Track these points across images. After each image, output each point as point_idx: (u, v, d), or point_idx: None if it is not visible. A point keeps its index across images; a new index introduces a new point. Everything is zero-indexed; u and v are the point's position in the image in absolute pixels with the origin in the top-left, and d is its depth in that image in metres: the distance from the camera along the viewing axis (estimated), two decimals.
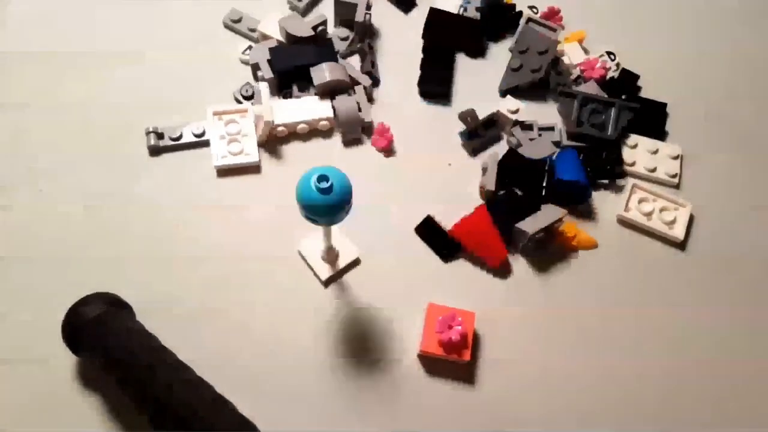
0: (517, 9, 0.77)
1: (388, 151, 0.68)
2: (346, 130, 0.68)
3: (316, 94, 0.69)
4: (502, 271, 0.63)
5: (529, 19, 0.74)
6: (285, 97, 0.70)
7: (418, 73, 0.72)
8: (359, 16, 0.72)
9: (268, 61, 0.69)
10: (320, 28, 0.71)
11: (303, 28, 0.71)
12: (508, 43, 0.76)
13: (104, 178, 0.64)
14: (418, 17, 0.76)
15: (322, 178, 0.47)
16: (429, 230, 0.64)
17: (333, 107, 0.68)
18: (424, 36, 0.74)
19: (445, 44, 0.74)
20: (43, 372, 0.55)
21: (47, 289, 0.58)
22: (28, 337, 0.56)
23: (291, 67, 0.69)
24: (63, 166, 0.65)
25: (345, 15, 0.73)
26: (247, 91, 0.70)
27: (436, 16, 0.73)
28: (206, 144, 0.67)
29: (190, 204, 0.64)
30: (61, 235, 0.61)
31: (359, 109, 0.68)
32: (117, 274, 0.59)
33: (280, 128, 0.67)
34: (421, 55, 0.73)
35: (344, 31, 0.73)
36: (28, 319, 0.57)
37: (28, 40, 0.72)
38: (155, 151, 0.66)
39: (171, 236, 0.62)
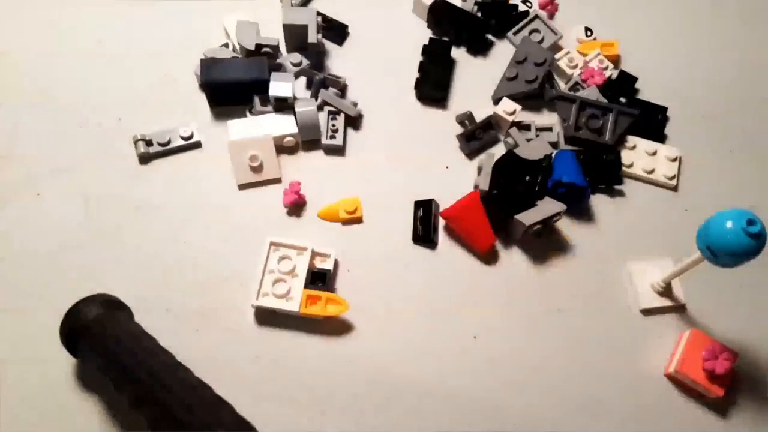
0: (520, 9, 0.83)
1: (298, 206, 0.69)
2: (303, 133, 0.71)
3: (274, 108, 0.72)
4: (501, 271, 0.67)
5: (536, 17, 0.80)
6: (250, 111, 0.73)
7: (415, 74, 0.76)
8: (311, 38, 0.74)
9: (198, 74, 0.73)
10: (264, 48, 0.73)
11: (251, 40, 0.73)
12: (509, 45, 0.81)
13: (102, 181, 0.68)
14: (415, 19, 0.82)
15: (752, 221, 0.50)
16: (425, 210, 0.68)
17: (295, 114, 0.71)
18: (428, 21, 0.79)
19: (448, 35, 0.79)
20: (41, 373, 0.57)
21: (45, 291, 0.61)
22: (26, 339, 0.59)
23: (219, 81, 0.70)
24: (60, 168, 0.68)
25: (296, 38, 0.75)
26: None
27: (441, 6, 0.79)
28: (197, 146, 0.71)
29: (187, 205, 0.67)
30: (59, 237, 0.64)
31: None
32: (116, 275, 0.62)
33: (287, 139, 0.70)
34: (416, 56, 0.77)
35: (297, 57, 0.75)
36: (27, 322, 0.60)
37: (23, 40, 0.76)
38: (145, 158, 0.69)
39: (169, 238, 0.65)
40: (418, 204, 0.68)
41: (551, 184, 0.68)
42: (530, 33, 0.81)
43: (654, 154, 0.74)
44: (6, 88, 0.73)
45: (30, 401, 0.57)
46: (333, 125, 0.72)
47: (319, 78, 0.73)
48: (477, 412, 0.60)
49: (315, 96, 0.74)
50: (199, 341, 0.60)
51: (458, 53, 0.81)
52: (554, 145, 0.74)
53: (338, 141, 0.71)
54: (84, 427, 0.56)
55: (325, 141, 0.71)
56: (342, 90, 0.75)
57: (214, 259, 0.64)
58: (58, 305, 0.56)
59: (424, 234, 0.67)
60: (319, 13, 0.76)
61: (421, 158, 0.72)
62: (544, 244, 0.68)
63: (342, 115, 0.73)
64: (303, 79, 0.75)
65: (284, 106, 0.71)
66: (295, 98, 0.72)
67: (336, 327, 0.62)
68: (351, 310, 0.62)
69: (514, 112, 0.73)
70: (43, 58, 0.75)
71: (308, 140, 0.72)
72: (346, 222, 0.67)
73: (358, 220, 0.68)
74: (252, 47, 0.73)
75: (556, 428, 0.59)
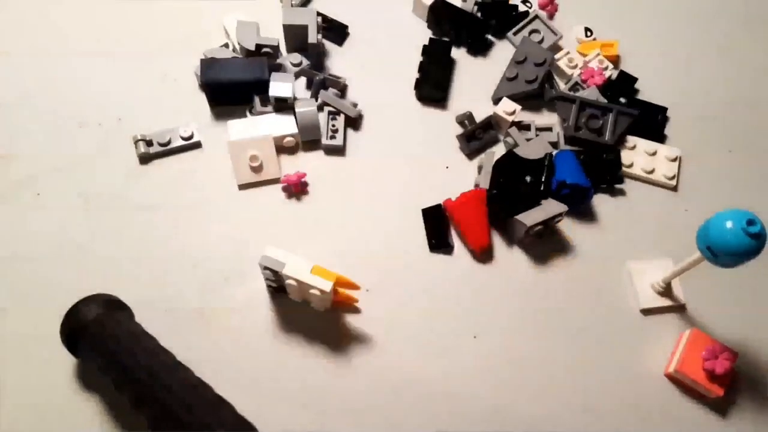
0: (520, 9, 0.84)
1: (298, 193, 0.70)
2: (303, 133, 0.71)
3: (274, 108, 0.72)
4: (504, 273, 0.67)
5: (536, 17, 0.81)
6: (250, 111, 0.72)
7: (415, 74, 0.76)
8: (312, 38, 0.74)
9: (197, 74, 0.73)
10: (264, 48, 0.73)
11: (251, 40, 0.73)
12: (509, 45, 0.82)
13: (102, 181, 0.68)
14: (415, 19, 0.82)
15: (752, 221, 0.50)
16: (436, 216, 0.68)
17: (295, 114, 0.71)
18: (428, 21, 0.80)
19: (448, 35, 0.80)
20: (41, 373, 0.58)
21: (46, 291, 0.61)
22: (26, 339, 0.59)
23: (219, 81, 0.70)
24: (60, 168, 0.68)
25: (296, 39, 0.75)
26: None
27: (441, 6, 0.79)
28: (197, 146, 0.71)
29: (187, 205, 0.67)
30: (59, 236, 0.64)
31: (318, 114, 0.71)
32: (116, 275, 0.63)
33: (287, 139, 0.70)
34: (416, 56, 0.77)
35: (297, 57, 0.75)
36: (27, 321, 0.60)
37: (24, 40, 0.76)
38: (145, 158, 0.70)
39: (169, 237, 0.65)
40: (427, 213, 0.68)
41: (555, 185, 0.68)
42: (530, 33, 0.81)
43: (654, 154, 0.74)
44: (6, 88, 0.73)
45: (30, 401, 0.57)
46: (333, 125, 0.72)
47: (319, 78, 0.73)
48: (477, 411, 0.60)
49: (315, 96, 0.74)
50: (199, 341, 0.60)
51: (458, 53, 0.81)
52: (554, 145, 0.74)
53: (338, 141, 0.72)
54: (84, 427, 0.56)
55: (325, 141, 0.72)
56: (342, 90, 0.75)
57: (214, 259, 0.65)
58: (58, 305, 0.56)
59: (439, 241, 0.67)
60: (319, 14, 0.76)
61: (421, 158, 0.72)
62: (545, 245, 0.68)
63: (342, 115, 0.73)
64: (303, 79, 0.75)
65: (284, 106, 0.72)
66: (295, 98, 0.72)
67: (335, 327, 0.62)
68: (350, 309, 0.63)
69: (513, 112, 0.73)
70: (43, 58, 0.75)
71: (308, 140, 0.72)
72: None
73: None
74: (252, 47, 0.73)
75: (556, 428, 0.60)
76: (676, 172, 0.73)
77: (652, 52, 0.83)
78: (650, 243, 0.69)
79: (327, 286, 0.57)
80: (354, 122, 0.74)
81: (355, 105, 0.74)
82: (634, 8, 0.87)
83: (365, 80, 0.77)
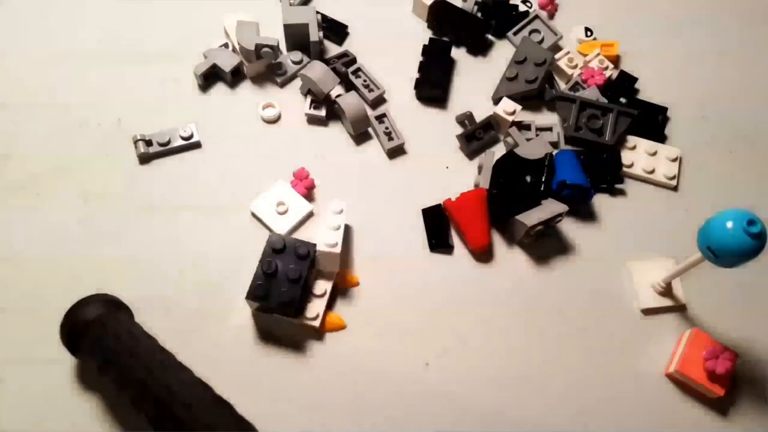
0: (520, 9, 0.84)
1: (308, 196, 0.69)
2: (356, 125, 0.71)
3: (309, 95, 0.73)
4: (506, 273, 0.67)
5: (536, 17, 0.81)
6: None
7: (415, 74, 0.76)
8: (313, 36, 0.74)
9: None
10: (264, 49, 0.72)
11: (251, 40, 0.72)
12: (509, 45, 0.82)
13: (102, 181, 0.68)
14: (415, 19, 0.82)
15: (752, 222, 0.50)
16: (436, 216, 0.68)
17: (338, 105, 0.71)
18: (428, 21, 0.80)
19: (448, 35, 0.80)
20: (41, 373, 0.58)
21: (46, 291, 0.61)
22: (26, 339, 0.59)
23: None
24: (60, 168, 0.68)
25: (296, 38, 0.75)
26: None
27: (441, 6, 0.79)
28: (197, 146, 0.71)
29: (187, 205, 0.67)
30: (59, 237, 0.64)
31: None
32: (116, 275, 0.62)
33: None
34: (416, 56, 0.77)
35: (297, 54, 0.76)
36: (27, 321, 0.60)
37: (23, 41, 0.76)
38: (145, 158, 0.70)
39: (169, 238, 0.65)
40: (427, 213, 0.68)
41: (556, 186, 0.68)
42: (530, 33, 0.81)
43: (654, 154, 0.74)
44: (6, 88, 0.73)
45: (30, 401, 0.57)
46: (386, 128, 0.73)
47: (352, 70, 0.74)
48: (476, 412, 0.60)
49: (351, 89, 0.75)
50: (199, 341, 0.60)
51: (458, 53, 0.81)
52: (554, 145, 0.74)
53: (400, 140, 0.72)
54: (84, 427, 0.56)
55: (388, 145, 0.72)
56: (353, 61, 0.76)
57: (214, 259, 0.65)
58: (58, 305, 0.56)
59: (439, 241, 0.67)
60: (318, 13, 0.76)
61: (421, 158, 0.72)
62: (545, 245, 0.68)
63: (388, 114, 0.73)
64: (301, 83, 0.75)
65: (319, 101, 0.72)
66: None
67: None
68: (350, 309, 0.63)
69: (514, 112, 0.73)
70: (43, 58, 0.75)
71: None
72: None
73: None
74: (252, 47, 0.73)
75: (556, 428, 0.60)
76: (676, 172, 0.73)
77: (652, 52, 0.83)
78: (650, 243, 0.69)
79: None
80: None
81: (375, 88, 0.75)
82: (634, 8, 0.87)
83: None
